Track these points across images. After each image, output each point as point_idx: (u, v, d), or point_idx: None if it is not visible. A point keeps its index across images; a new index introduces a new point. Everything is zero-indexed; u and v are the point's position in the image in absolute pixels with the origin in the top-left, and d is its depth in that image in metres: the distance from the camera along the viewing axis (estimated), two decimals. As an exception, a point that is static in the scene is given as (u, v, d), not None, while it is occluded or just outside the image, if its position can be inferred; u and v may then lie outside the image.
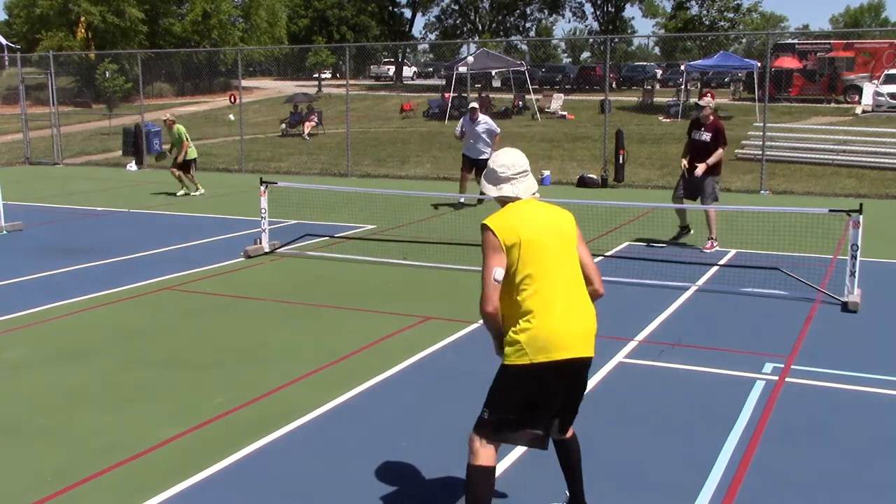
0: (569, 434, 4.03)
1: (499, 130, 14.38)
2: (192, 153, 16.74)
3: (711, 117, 10.93)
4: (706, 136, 10.80)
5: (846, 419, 5.47)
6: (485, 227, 3.74)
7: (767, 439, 5.14)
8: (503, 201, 3.89)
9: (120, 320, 7.92)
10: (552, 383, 3.73)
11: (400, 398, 5.89)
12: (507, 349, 3.71)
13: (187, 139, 16.45)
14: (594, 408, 5.66)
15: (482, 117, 14.21)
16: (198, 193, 16.72)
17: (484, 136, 14.07)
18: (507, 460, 4.85)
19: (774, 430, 5.27)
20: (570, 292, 3.76)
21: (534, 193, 3.93)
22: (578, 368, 3.76)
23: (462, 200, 14.31)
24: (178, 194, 16.64)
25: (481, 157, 13.85)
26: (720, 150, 10.81)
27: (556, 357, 3.65)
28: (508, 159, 3.90)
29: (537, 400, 3.74)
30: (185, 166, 16.63)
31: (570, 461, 4.07)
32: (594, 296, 3.96)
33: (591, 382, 6.06)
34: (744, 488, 4.54)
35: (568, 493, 4.18)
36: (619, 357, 6.67)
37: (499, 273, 3.66)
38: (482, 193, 4.00)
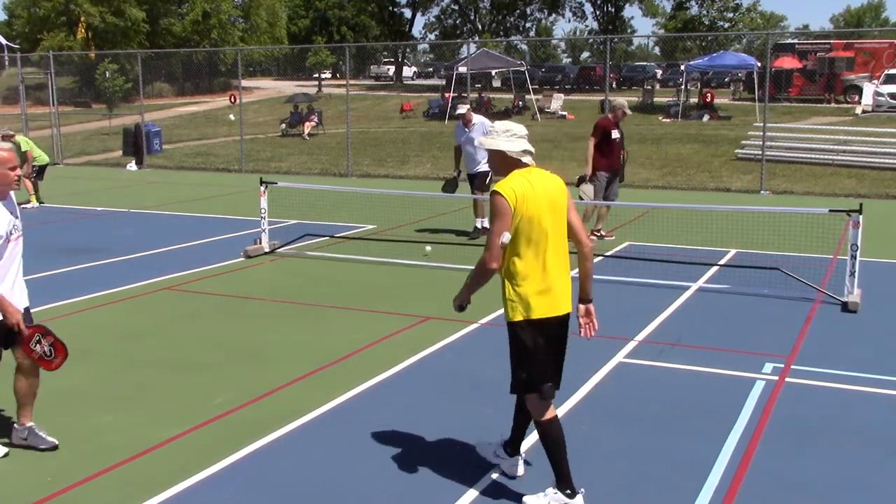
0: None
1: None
2: (44, 158, 15.54)
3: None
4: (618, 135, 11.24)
5: (846, 419, 5.47)
6: (496, 193, 4.12)
7: (767, 439, 5.14)
8: (506, 162, 4.25)
9: (120, 320, 7.92)
10: (553, 336, 4.25)
11: (400, 398, 5.89)
12: (510, 309, 4.19)
13: (31, 147, 15.22)
14: (594, 408, 5.67)
15: (476, 118, 11.57)
16: (30, 206, 14.98)
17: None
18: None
19: (774, 430, 5.27)
20: (557, 256, 4.24)
21: (531, 155, 4.29)
22: (563, 323, 4.29)
23: (479, 226, 11.80)
24: (34, 205, 15.18)
25: (481, 170, 11.50)
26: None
27: (555, 313, 4.20)
28: (507, 123, 4.32)
29: (549, 350, 4.24)
30: (40, 174, 15.39)
31: (526, 417, 4.55)
32: (586, 250, 4.38)
33: (591, 382, 6.09)
34: (744, 488, 4.54)
35: (506, 437, 4.71)
36: (619, 357, 6.67)
37: (506, 237, 4.10)
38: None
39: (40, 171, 15.64)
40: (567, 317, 4.29)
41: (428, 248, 10.62)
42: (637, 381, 6.22)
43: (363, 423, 5.44)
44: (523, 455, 4.70)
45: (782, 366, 6.45)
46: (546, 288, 4.17)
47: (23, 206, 14.93)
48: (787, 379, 6.17)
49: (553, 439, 4.27)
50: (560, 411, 5.55)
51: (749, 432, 5.23)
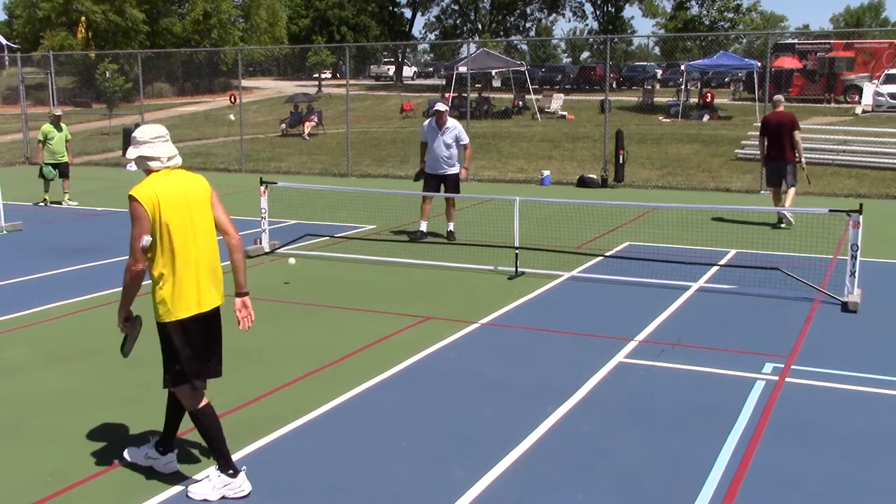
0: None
1: (467, 140, 11.50)
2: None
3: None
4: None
5: (846, 419, 5.47)
6: (132, 198, 4.26)
7: (767, 439, 5.14)
8: (146, 168, 4.40)
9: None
10: (202, 331, 4.46)
11: (399, 398, 5.89)
12: (161, 309, 4.35)
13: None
14: (594, 408, 5.67)
15: (450, 122, 11.33)
16: (73, 203, 15.35)
17: (452, 146, 11.33)
18: (504, 463, 4.85)
19: (774, 430, 5.27)
20: (203, 253, 4.42)
21: (172, 159, 4.42)
22: (213, 317, 4.50)
23: (423, 230, 11.60)
24: (70, 203, 15.34)
25: (450, 173, 11.39)
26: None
27: (200, 310, 4.40)
28: (147, 127, 4.45)
29: (199, 345, 4.45)
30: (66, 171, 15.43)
31: (179, 413, 4.70)
32: (233, 242, 4.57)
33: (591, 382, 6.10)
34: (744, 488, 4.54)
35: (156, 438, 4.80)
36: (619, 357, 6.67)
37: (146, 240, 4.24)
38: (139, 163, 4.41)
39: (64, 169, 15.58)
40: (216, 311, 4.50)
41: (292, 260, 9.84)
42: (637, 381, 6.22)
43: (363, 422, 5.44)
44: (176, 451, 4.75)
45: (782, 366, 6.45)
46: (192, 286, 4.35)
47: (70, 204, 15.19)
48: (787, 379, 6.17)
49: (209, 426, 4.46)
50: (560, 411, 5.57)
51: (749, 432, 5.23)
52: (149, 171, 4.39)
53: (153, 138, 4.38)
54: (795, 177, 12.50)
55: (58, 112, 15.65)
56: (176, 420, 4.73)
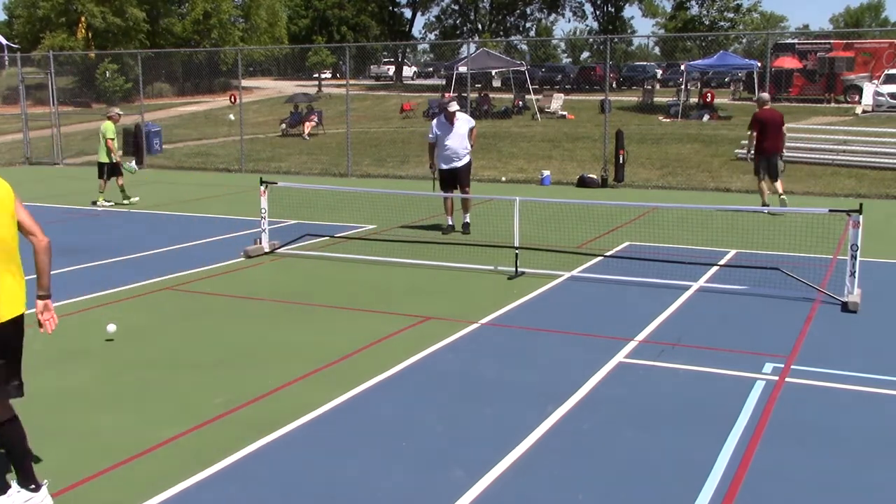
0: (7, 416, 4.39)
1: (474, 123, 12.31)
2: (103, 157, 15.30)
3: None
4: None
5: (846, 419, 5.47)
6: None
7: (767, 439, 5.14)
8: None
9: (120, 320, 7.91)
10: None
11: (399, 398, 5.89)
12: None
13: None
14: (594, 408, 5.67)
15: (459, 113, 11.97)
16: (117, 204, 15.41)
17: (464, 134, 11.93)
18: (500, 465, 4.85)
19: (774, 430, 5.27)
20: (3, 261, 4.25)
21: None
22: (9, 328, 4.24)
23: (451, 224, 12.22)
24: (132, 200, 15.53)
25: (463, 164, 12.00)
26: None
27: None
28: None
29: None
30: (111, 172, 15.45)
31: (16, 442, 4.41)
32: (42, 244, 4.44)
33: (591, 382, 6.10)
34: (744, 488, 4.54)
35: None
36: (619, 357, 6.67)
37: None
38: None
39: (112, 170, 15.43)
40: (14, 321, 4.24)
41: (111, 327, 7.43)
42: (637, 381, 6.22)
43: (363, 422, 5.45)
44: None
45: (782, 366, 6.45)
46: None
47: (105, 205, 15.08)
48: (787, 379, 6.17)
49: (17, 439, 4.31)
50: (560, 411, 5.57)
51: (749, 432, 5.23)
52: None
53: None
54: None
55: (120, 112, 15.70)
56: (18, 450, 4.38)
